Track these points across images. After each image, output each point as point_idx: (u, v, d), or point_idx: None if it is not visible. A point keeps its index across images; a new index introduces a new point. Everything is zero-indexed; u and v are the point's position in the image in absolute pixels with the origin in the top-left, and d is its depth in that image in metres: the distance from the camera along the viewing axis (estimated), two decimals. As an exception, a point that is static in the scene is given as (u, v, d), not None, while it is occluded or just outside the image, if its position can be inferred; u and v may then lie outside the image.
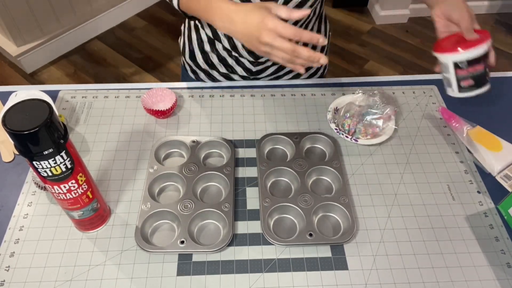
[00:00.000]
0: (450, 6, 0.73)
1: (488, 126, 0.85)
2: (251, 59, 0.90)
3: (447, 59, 0.73)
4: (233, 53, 0.90)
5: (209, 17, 0.70)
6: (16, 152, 0.78)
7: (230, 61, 0.92)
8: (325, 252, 0.66)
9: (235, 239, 0.67)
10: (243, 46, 0.87)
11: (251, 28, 0.65)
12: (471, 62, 0.71)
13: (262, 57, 0.90)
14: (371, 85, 0.92)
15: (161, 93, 0.85)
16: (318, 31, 0.94)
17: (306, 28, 0.90)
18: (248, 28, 0.65)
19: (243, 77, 0.96)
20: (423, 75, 0.95)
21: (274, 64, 0.94)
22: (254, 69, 0.94)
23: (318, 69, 1.01)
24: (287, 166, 0.75)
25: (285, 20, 0.64)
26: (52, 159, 0.53)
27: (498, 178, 0.77)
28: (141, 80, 2.17)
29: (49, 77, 2.18)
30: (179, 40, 1.03)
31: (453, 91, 0.76)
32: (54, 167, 0.54)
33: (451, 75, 0.74)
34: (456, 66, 0.72)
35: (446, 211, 0.71)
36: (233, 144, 0.79)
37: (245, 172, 0.76)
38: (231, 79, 0.97)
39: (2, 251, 0.65)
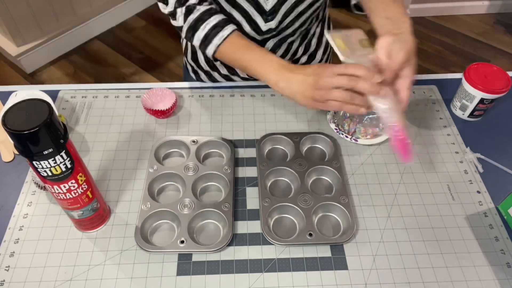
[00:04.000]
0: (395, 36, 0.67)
1: (489, 124, 0.85)
2: None
3: (477, 93, 0.79)
4: None
5: (259, 68, 0.72)
6: (16, 152, 0.78)
7: None
8: (325, 252, 0.66)
9: (235, 239, 0.67)
10: None
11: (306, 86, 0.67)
12: (493, 101, 0.80)
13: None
14: (371, 85, 0.92)
15: (161, 93, 0.85)
16: (321, 35, 0.94)
17: (308, 32, 0.90)
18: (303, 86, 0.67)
19: (244, 79, 0.96)
20: (423, 75, 0.95)
21: None
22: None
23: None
24: (287, 166, 0.74)
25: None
26: (52, 159, 0.53)
27: None
28: (141, 80, 2.17)
29: (49, 77, 2.18)
30: (181, 40, 1.03)
31: (463, 115, 0.85)
32: (54, 167, 0.54)
33: (473, 105, 0.81)
34: (481, 101, 0.80)
35: (446, 211, 0.71)
36: (233, 144, 0.79)
37: (245, 172, 0.76)
38: (232, 80, 0.97)
39: (2, 251, 0.65)
